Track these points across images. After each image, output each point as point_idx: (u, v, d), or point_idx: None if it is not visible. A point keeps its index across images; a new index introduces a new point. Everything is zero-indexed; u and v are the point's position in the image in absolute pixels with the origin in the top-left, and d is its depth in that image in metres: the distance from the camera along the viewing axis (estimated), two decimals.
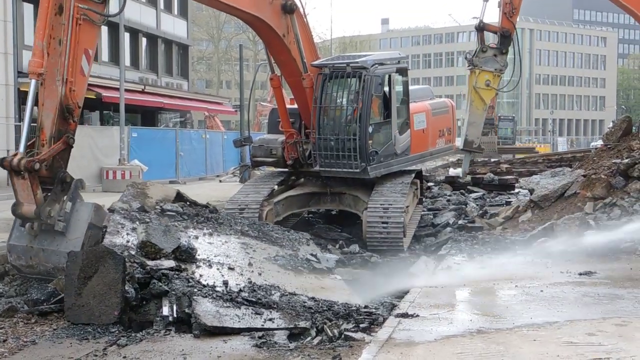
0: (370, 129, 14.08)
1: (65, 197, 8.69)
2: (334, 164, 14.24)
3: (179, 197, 10.95)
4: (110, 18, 10.72)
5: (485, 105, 16.17)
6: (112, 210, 9.62)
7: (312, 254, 10.53)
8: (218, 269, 8.79)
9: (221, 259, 9.14)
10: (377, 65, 14.18)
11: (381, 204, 13.62)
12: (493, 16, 16.24)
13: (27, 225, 8.75)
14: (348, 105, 14.28)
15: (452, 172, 23.50)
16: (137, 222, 9.33)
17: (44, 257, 8.74)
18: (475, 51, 15.59)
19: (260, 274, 8.96)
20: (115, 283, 7.67)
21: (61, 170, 8.72)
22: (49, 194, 8.62)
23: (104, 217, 9.15)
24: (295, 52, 13.85)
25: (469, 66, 15.78)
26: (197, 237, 9.60)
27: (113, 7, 9.48)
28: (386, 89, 14.66)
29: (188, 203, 10.90)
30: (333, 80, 14.25)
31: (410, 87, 16.17)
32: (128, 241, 8.88)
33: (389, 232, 13.30)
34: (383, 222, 13.36)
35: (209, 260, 8.96)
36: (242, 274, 8.80)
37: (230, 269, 8.86)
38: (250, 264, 9.19)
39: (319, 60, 14.75)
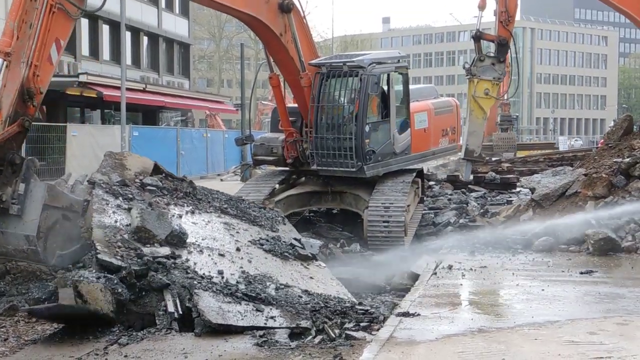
0: (367, 128, 14.07)
1: (17, 179, 8.57)
2: (331, 162, 14.24)
3: (156, 170, 10.91)
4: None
5: (485, 114, 16.20)
6: (92, 182, 9.55)
7: (295, 239, 10.57)
8: (209, 254, 8.81)
9: (209, 243, 9.16)
10: (374, 64, 14.17)
11: (382, 203, 13.61)
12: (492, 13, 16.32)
13: None
14: (345, 104, 14.27)
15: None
16: (121, 198, 9.26)
17: (3, 240, 8.63)
18: (473, 60, 15.63)
19: (250, 261, 8.99)
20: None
21: (10, 152, 8.56)
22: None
23: (60, 197, 9.05)
24: (292, 51, 13.83)
25: (467, 75, 15.81)
26: (180, 216, 9.58)
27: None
28: (385, 87, 14.67)
29: (164, 175, 10.88)
30: (330, 79, 14.24)
31: (415, 86, 16.16)
32: (116, 221, 8.78)
33: (390, 231, 13.29)
34: (384, 221, 13.36)
35: (198, 245, 8.98)
36: (233, 262, 8.82)
37: (221, 255, 8.88)
38: (238, 249, 9.22)
39: (317, 59, 14.75)
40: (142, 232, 8.66)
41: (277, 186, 15.34)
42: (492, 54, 15.46)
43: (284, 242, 10.18)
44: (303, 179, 15.57)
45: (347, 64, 14.19)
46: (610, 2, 16.64)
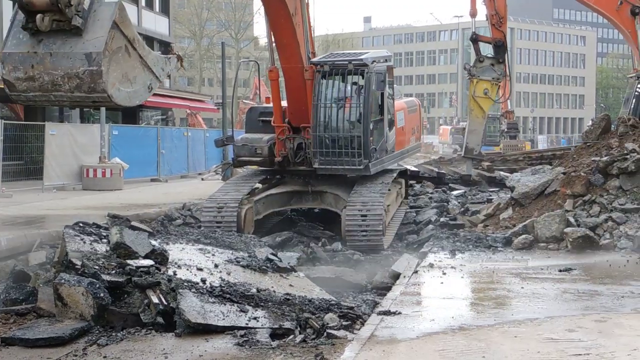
0: (370, 126, 14.06)
1: None
2: (334, 161, 14.12)
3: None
4: None
5: (484, 114, 16.47)
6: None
7: (272, 254, 10.53)
8: (188, 269, 8.72)
9: (187, 262, 9.07)
10: (375, 63, 14.22)
11: (359, 206, 13.46)
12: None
13: (38, 17, 7.16)
14: (351, 102, 14.17)
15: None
16: (94, 236, 9.17)
17: (51, 64, 7.26)
18: (474, 61, 15.93)
19: (229, 274, 8.93)
20: None
21: None
22: None
23: (129, 25, 7.65)
24: (300, 35, 13.58)
25: (468, 76, 16.08)
26: (153, 246, 9.51)
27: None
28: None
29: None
30: (333, 77, 14.16)
31: None
32: (94, 248, 8.66)
33: (368, 232, 13.18)
34: (362, 225, 13.22)
35: (176, 263, 8.88)
36: (212, 274, 8.75)
37: (199, 269, 8.80)
38: (216, 265, 9.15)
39: (316, 57, 14.64)
40: (122, 249, 8.52)
41: (259, 185, 15.27)
42: (491, 55, 15.72)
43: (260, 259, 10.14)
44: (286, 178, 15.43)
45: (353, 62, 14.12)
46: (587, 3, 16.98)
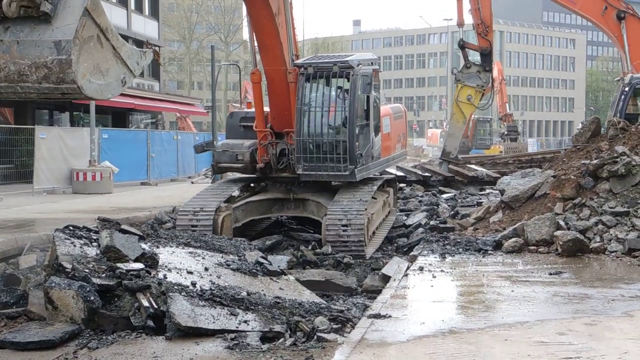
0: (356, 130, 13.81)
1: None
2: (319, 167, 13.77)
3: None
4: None
5: (464, 119, 16.65)
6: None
7: (262, 257, 10.51)
8: (178, 273, 8.70)
9: (177, 265, 9.05)
10: (361, 65, 14.00)
11: (340, 215, 13.08)
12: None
13: (4, 3, 6.80)
14: (337, 106, 13.90)
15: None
16: (84, 239, 9.15)
17: (18, 52, 6.84)
18: (462, 67, 16.18)
19: (219, 277, 8.93)
20: None
21: None
22: None
23: (102, 14, 7.24)
24: (283, 36, 13.26)
25: (455, 81, 16.30)
26: (143, 249, 9.48)
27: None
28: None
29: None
30: (318, 80, 13.86)
31: None
32: (84, 251, 8.63)
33: (349, 242, 12.85)
34: (343, 234, 12.91)
35: (166, 266, 8.87)
36: (202, 277, 8.74)
37: (189, 272, 8.79)
38: (206, 269, 9.15)
39: (300, 59, 14.37)
40: (112, 252, 8.50)
41: (243, 193, 15.05)
42: (478, 62, 15.95)
43: (250, 262, 10.12)
44: (268, 185, 15.05)
45: (338, 64, 13.81)
46: (573, 9, 17.25)
